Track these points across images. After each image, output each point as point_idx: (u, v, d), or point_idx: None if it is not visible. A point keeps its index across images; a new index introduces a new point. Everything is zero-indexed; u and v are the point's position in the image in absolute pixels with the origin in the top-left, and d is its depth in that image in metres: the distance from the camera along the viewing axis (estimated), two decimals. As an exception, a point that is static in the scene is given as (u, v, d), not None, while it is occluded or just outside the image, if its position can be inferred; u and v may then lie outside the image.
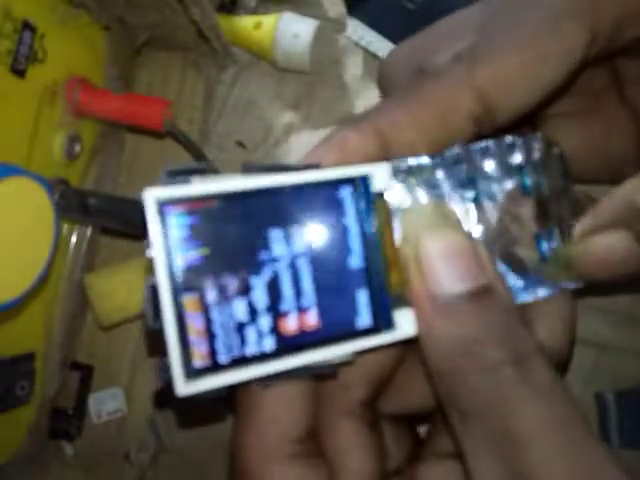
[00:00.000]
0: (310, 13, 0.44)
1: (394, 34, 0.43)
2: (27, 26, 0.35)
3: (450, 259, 0.18)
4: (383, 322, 0.19)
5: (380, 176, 0.20)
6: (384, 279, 0.19)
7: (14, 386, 0.38)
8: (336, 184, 0.19)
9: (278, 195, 0.18)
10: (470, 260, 0.18)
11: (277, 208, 0.18)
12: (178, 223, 0.17)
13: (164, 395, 0.17)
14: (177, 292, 0.17)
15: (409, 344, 0.20)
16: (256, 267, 0.18)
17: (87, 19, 0.40)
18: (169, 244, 0.17)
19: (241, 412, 0.20)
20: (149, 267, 0.17)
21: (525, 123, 0.24)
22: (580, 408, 0.17)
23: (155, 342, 0.17)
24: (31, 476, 0.43)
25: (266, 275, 0.18)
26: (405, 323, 0.19)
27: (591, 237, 0.21)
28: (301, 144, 0.45)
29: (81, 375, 0.44)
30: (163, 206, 0.17)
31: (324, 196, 0.19)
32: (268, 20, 0.43)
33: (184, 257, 0.17)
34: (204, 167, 0.19)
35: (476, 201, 0.21)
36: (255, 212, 0.18)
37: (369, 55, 0.44)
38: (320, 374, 0.19)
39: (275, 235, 0.18)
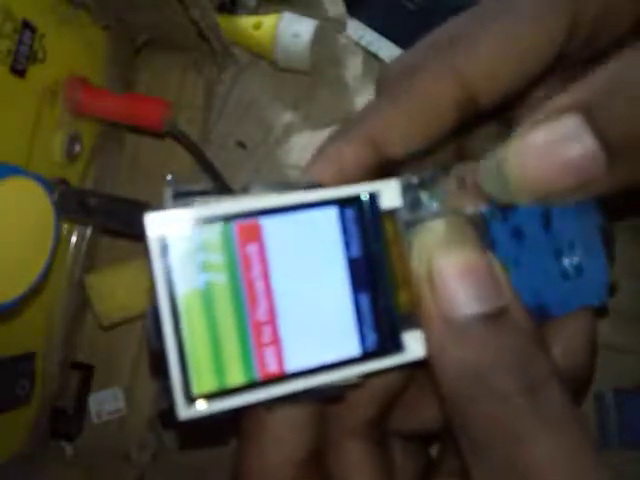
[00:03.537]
0: (310, 13, 0.44)
1: (394, 34, 0.43)
2: (27, 26, 0.35)
3: (465, 278, 0.17)
4: (391, 344, 0.18)
5: (389, 193, 0.19)
6: (392, 300, 0.19)
7: (14, 386, 0.38)
8: (342, 203, 0.18)
9: (281, 216, 0.18)
10: (486, 280, 0.17)
11: (282, 229, 0.18)
12: (180, 246, 0.17)
13: (169, 415, 0.16)
14: (178, 315, 0.17)
15: (419, 364, 0.19)
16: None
17: (87, 19, 0.40)
18: (171, 268, 0.17)
19: (245, 434, 0.20)
20: (151, 286, 0.17)
21: (510, 107, 0.24)
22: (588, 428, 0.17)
23: (158, 362, 0.17)
24: (31, 476, 0.43)
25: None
26: (414, 345, 0.18)
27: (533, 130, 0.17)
28: (301, 144, 0.45)
29: (81, 375, 0.44)
30: (165, 230, 0.17)
31: (331, 215, 0.18)
32: (268, 20, 0.43)
33: (185, 281, 0.17)
34: (207, 189, 0.19)
35: (492, 215, 0.20)
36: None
37: (369, 55, 0.44)
38: (327, 397, 0.19)
39: (279, 257, 0.18)
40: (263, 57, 0.45)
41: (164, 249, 0.17)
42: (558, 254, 0.20)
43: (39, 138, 0.37)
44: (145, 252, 0.17)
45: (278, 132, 0.45)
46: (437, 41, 0.22)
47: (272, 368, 0.18)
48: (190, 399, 0.17)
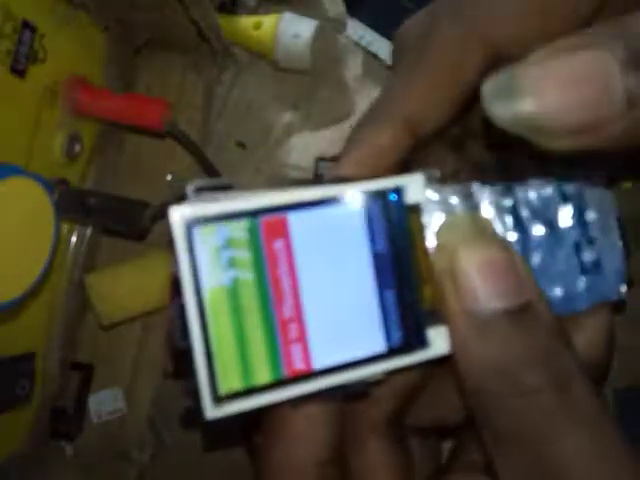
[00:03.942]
0: (310, 13, 0.44)
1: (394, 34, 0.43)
2: (27, 26, 0.35)
3: (488, 273, 0.17)
4: (416, 340, 0.18)
5: (413, 187, 0.19)
6: (417, 295, 0.18)
7: (14, 386, 0.38)
8: (368, 197, 0.18)
9: (307, 211, 0.18)
10: (509, 275, 0.17)
11: (308, 224, 0.18)
12: (206, 242, 0.17)
13: (192, 415, 0.16)
14: (204, 313, 0.17)
15: (442, 360, 0.19)
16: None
17: (87, 19, 0.40)
18: (197, 265, 0.17)
19: (268, 432, 0.20)
20: (174, 283, 0.17)
21: None
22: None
23: (181, 362, 0.17)
24: (31, 476, 0.43)
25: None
26: (439, 341, 0.18)
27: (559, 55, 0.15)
28: (301, 144, 0.45)
29: (81, 375, 0.44)
30: (190, 225, 0.17)
31: (356, 209, 0.18)
32: (268, 20, 0.43)
33: (212, 278, 0.17)
34: (230, 183, 0.18)
35: (514, 209, 0.20)
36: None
37: (369, 55, 0.44)
38: (351, 394, 0.19)
39: (305, 253, 0.18)
40: (263, 57, 0.45)
41: (190, 245, 0.17)
42: (577, 249, 0.20)
43: (39, 138, 0.37)
44: (169, 247, 0.17)
45: (278, 132, 0.45)
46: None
47: (299, 365, 0.17)
48: (217, 399, 0.17)
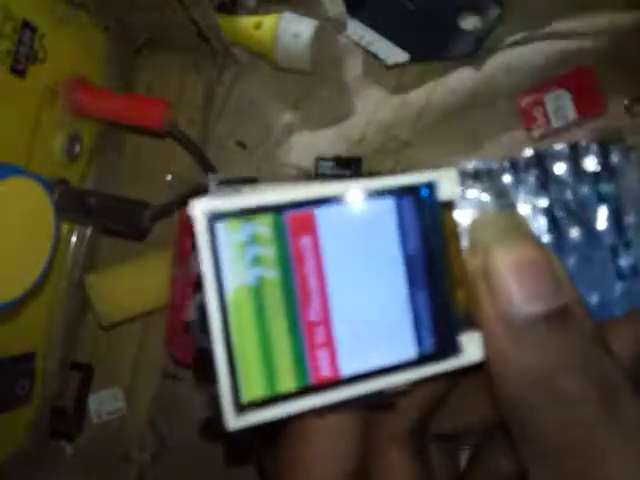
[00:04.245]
0: (310, 13, 0.44)
1: (394, 34, 0.44)
2: (27, 26, 0.35)
3: (524, 275, 0.16)
4: (448, 346, 0.17)
5: (447, 182, 0.18)
6: (450, 298, 0.17)
7: (14, 386, 0.38)
8: (399, 193, 0.17)
9: (335, 206, 0.17)
10: (546, 276, 0.16)
11: (337, 221, 0.17)
12: (229, 238, 0.16)
13: (213, 425, 0.15)
14: (227, 314, 0.16)
15: (473, 367, 0.18)
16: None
17: (87, 19, 0.40)
18: (220, 262, 0.15)
19: (289, 444, 0.19)
20: (198, 282, 0.16)
21: None
22: None
23: (201, 364, 0.16)
24: (31, 476, 0.43)
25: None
26: (472, 347, 0.17)
27: None
28: (301, 144, 0.45)
29: (81, 375, 0.44)
30: (213, 220, 0.16)
31: (386, 206, 0.17)
32: (268, 20, 0.43)
33: (235, 276, 0.16)
34: (255, 176, 0.18)
35: (549, 209, 0.19)
36: None
37: (369, 55, 0.44)
38: (379, 404, 0.18)
39: (333, 250, 0.17)
40: (263, 57, 0.45)
41: (213, 241, 0.15)
42: (614, 253, 0.19)
43: (39, 138, 0.37)
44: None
45: (278, 132, 0.45)
46: None
47: (325, 372, 0.16)
48: (239, 408, 0.15)
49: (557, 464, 0.15)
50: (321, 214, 0.17)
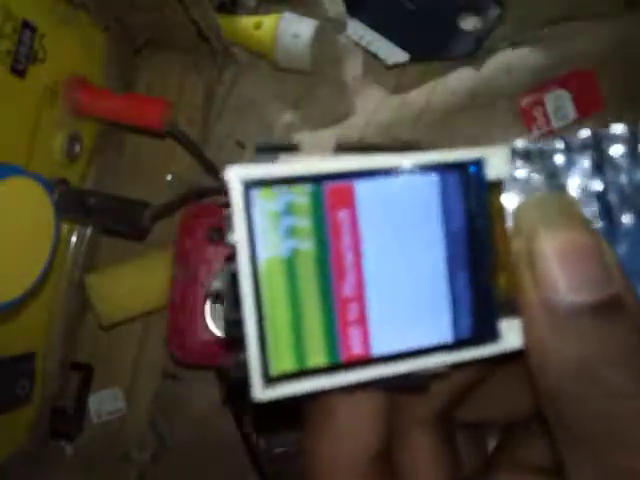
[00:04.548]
0: (310, 13, 0.44)
1: (394, 34, 0.44)
2: (27, 26, 0.35)
3: (571, 261, 0.15)
4: (487, 332, 0.17)
5: (496, 161, 0.17)
6: (491, 282, 0.17)
7: (14, 386, 0.38)
8: (444, 169, 0.16)
9: (376, 180, 0.16)
10: (596, 264, 0.15)
11: (376, 195, 0.16)
12: (265, 207, 0.15)
13: (236, 392, 0.15)
14: (259, 284, 0.15)
15: (511, 355, 0.17)
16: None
17: (87, 19, 0.40)
18: (253, 231, 0.15)
19: (313, 423, 0.18)
20: (232, 253, 0.15)
21: None
22: None
23: (230, 333, 0.16)
24: (31, 476, 0.43)
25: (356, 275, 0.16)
26: (511, 334, 0.16)
27: None
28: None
29: (81, 375, 0.44)
30: (249, 187, 0.15)
31: (430, 182, 0.16)
32: (268, 20, 0.43)
33: (269, 246, 0.15)
34: (294, 145, 0.17)
35: (602, 193, 0.17)
36: None
37: (369, 55, 0.44)
38: (410, 386, 0.17)
39: (371, 226, 0.16)
40: (263, 57, 0.45)
41: (247, 208, 0.15)
42: None
43: (39, 138, 0.37)
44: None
45: (278, 132, 0.45)
46: None
47: (357, 350, 0.16)
48: (268, 379, 0.15)
49: (598, 455, 0.15)
50: (361, 187, 0.16)
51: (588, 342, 0.15)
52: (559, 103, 0.42)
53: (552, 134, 0.42)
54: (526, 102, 0.43)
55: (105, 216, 0.38)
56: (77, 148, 0.40)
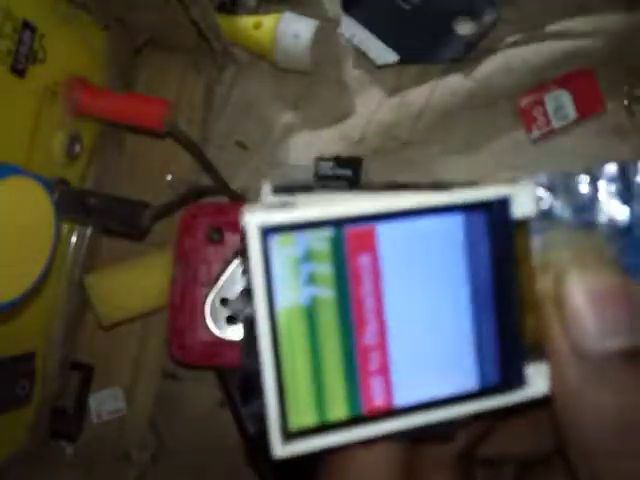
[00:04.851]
0: (310, 13, 0.44)
1: (386, 34, 0.43)
2: (27, 26, 0.35)
3: (603, 305, 0.14)
4: (514, 378, 0.16)
5: (523, 199, 0.16)
6: (518, 325, 0.16)
7: (14, 386, 0.38)
8: (469, 208, 0.16)
9: (398, 222, 0.15)
10: (627, 308, 0.14)
11: (399, 237, 0.15)
12: (283, 253, 0.15)
13: (256, 448, 0.14)
14: (277, 335, 0.14)
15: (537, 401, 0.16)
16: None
17: (87, 19, 0.40)
18: (272, 279, 0.14)
19: (332, 473, 0.17)
20: (244, 294, 0.15)
21: None
22: None
23: (247, 383, 0.15)
24: (31, 476, 0.43)
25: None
26: (538, 379, 0.16)
27: None
28: (301, 144, 0.45)
29: (81, 375, 0.44)
30: (266, 233, 0.14)
31: (454, 223, 0.16)
32: (268, 20, 0.43)
33: (288, 295, 0.15)
34: (311, 185, 0.16)
35: (629, 227, 0.17)
36: None
37: (365, 55, 0.44)
38: (435, 435, 0.16)
39: (393, 270, 0.15)
40: (263, 57, 0.45)
41: (265, 255, 0.14)
42: None
43: (39, 138, 0.37)
44: (238, 256, 0.15)
45: (278, 132, 0.45)
46: None
47: (379, 401, 0.15)
48: (287, 435, 0.15)
49: None
50: (382, 230, 0.15)
51: (626, 392, 0.14)
52: (559, 103, 0.42)
53: (552, 134, 0.42)
54: (526, 102, 0.43)
55: (105, 216, 0.38)
56: (77, 148, 0.40)
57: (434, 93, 0.43)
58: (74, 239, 0.43)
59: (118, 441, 0.44)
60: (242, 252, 0.15)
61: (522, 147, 0.42)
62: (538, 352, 0.16)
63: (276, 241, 0.14)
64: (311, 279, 0.15)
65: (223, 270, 0.39)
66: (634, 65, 0.42)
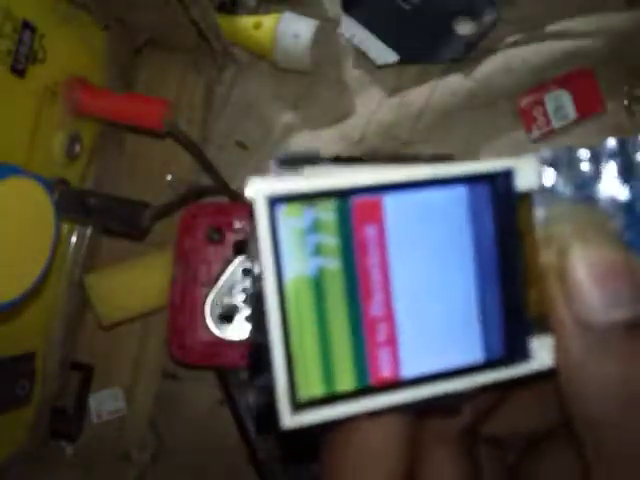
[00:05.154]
0: (310, 13, 0.44)
1: (386, 34, 0.43)
2: (27, 26, 0.35)
3: (606, 278, 0.14)
4: (519, 351, 0.16)
5: (526, 172, 0.16)
6: (523, 298, 0.16)
7: (14, 386, 0.38)
8: (473, 180, 0.16)
9: (405, 193, 0.15)
10: (630, 281, 0.14)
11: (405, 209, 0.15)
12: (290, 224, 0.15)
13: (266, 419, 0.14)
14: (285, 306, 0.14)
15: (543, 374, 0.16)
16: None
17: (87, 19, 0.40)
18: (279, 250, 0.14)
19: (337, 445, 0.17)
20: (246, 271, 0.15)
21: None
22: None
23: (258, 359, 0.15)
24: (31, 476, 0.43)
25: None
26: (543, 352, 0.16)
27: None
28: (301, 144, 0.45)
29: (81, 375, 0.44)
30: (273, 203, 0.14)
31: (459, 195, 0.16)
32: (268, 20, 0.43)
33: (295, 266, 0.15)
34: (318, 156, 0.16)
35: (630, 203, 0.17)
36: None
37: (365, 55, 0.44)
38: (441, 408, 0.16)
39: (399, 241, 0.15)
40: (263, 57, 0.45)
41: (273, 226, 0.14)
42: None
43: (39, 138, 0.37)
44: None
45: (278, 132, 0.45)
46: None
47: (386, 372, 0.15)
48: (296, 406, 0.14)
49: None
50: (389, 201, 0.15)
51: (629, 362, 0.14)
52: (559, 103, 0.42)
53: (552, 134, 0.42)
54: (526, 102, 0.43)
55: (105, 216, 0.38)
56: (77, 148, 0.40)
57: (434, 93, 0.43)
58: (74, 239, 0.43)
59: (118, 441, 0.44)
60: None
61: (522, 147, 0.42)
62: (542, 325, 0.16)
63: (283, 211, 0.14)
64: (318, 250, 0.15)
65: (223, 270, 0.39)
66: (634, 65, 0.42)
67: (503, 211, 0.16)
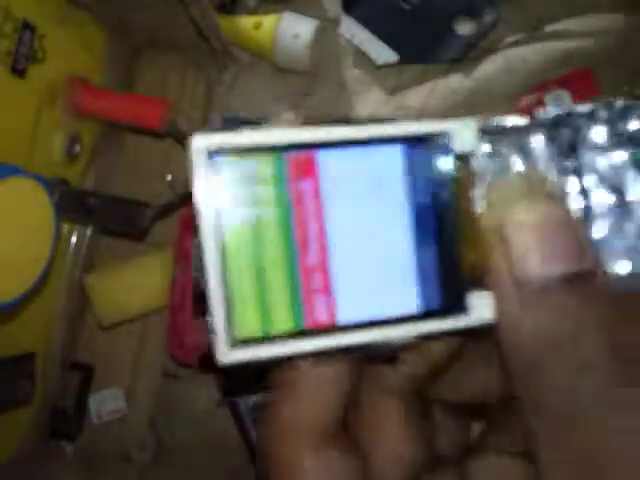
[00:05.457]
0: (310, 13, 0.44)
1: (386, 34, 0.43)
2: (27, 26, 0.35)
3: (545, 233, 0.15)
4: (454, 304, 0.17)
5: (464, 135, 0.17)
6: (459, 256, 0.17)
7: (14, 386, 0.38)
8: (411, 141, 0.16)
9: (339, 150, 0.16)
10: (567, 238, 0.15)
11: (339, 166, 0.16)
12: (228, 175, 0.15)
13: (209, 359, 0.15)
14: (224, 251, 0.15)
15: (481, 330, 0.17)
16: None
17: (87, 19, 0.40)
18: (217, 199, 0.15)
19: (278, 385, 0.18)
20: (193, 218, 0.15)
21: None
22: None
23: (202, 302, 0.17)
24: (31, 476, 0.43)
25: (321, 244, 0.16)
26: (481, 307, 0.16)
27: None
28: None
29: (81, 375, 0.44)
30: (213, 155, 0.15)
31: (394, 154, 0.16)
32: (268, 20, 0.43)
33: (233, 214, 0.15)
34: (260, 119, 0.17)
35: (576, 174, 0.17)
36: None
37: (365, 55, 0.44)
38: (377, 355, 0.17)
39: (335, 197, 0.16)
40: (263, 57, 0.45)
41: (211, 177, 0.15)
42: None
43: (39, 138, 0.37)
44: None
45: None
46: None
47: (322, 318, 0.16)
48: (233, 343, 0.15)
49: (566, 436, 0.14)
50: (323, 158, 0.16)
51: (562, 314, 0.15)
52: (559, 103, 0.42)
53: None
54: (526, 102, 0.43)
55: (105, 216, 0.38)
56: (77, 148, 0.40)
57: (434, 93, 0.43)
58: (74, 239, 0.43)
59: (118, 441, 0.44)
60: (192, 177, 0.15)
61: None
62: (479, 282, 0.16)
63: (221, 163, 0.15)
64: (255, 201, 0.16)
65: (223, 270, 0.39)
66: (634, 66, 0.42)
67: (440, 171, 0.17)
